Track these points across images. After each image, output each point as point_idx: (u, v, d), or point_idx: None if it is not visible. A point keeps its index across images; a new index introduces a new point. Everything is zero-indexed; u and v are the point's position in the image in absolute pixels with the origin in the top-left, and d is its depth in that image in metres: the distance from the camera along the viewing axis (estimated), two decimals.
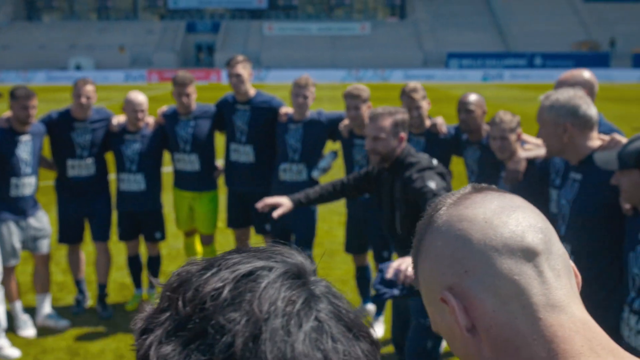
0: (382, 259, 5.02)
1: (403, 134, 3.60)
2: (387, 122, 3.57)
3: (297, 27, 57.91)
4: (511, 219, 0.89)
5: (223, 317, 0.62)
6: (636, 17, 55.66)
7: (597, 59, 49.02)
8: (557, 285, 0.85)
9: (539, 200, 3.80)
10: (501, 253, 0.86)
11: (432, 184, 3.38)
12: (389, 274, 2.96)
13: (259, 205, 3.82)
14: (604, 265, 2.87)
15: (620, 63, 49.01)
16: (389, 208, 3.68)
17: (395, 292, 2.98)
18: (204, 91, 28.55)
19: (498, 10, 58.14)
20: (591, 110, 2.88)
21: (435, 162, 3.60)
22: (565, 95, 2.89)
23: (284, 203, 3.86)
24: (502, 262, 0.86)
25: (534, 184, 3.82)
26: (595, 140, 2.94)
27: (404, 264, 2.97)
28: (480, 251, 0.87)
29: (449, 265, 0.88)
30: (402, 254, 3.60)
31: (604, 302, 2.77)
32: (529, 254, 0.86)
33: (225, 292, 0.63)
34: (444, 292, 0.88)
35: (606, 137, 2.96)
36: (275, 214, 3.79)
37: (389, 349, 4.89)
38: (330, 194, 3.99)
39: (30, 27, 57.60)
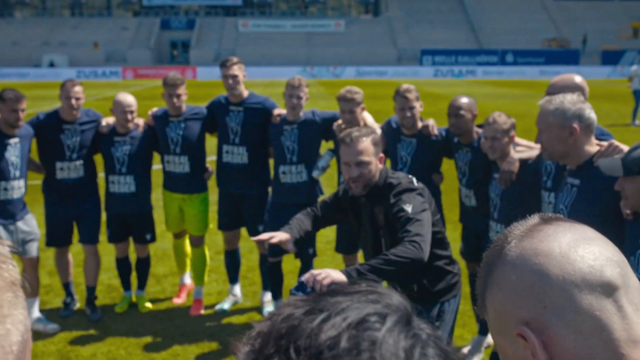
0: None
1: (382, 155, 3.34)
2: (368, 144, 3.22)
3: (272, 24, 57.75)
4: (588, 252, 0.90)
5: None
6: (605, 15, 56.61)
7: (566, 56, 49.76)
8: (637, 320, 0.86)
9: (531, 201, 3.91)
10: (581, 288, 0.87)
11: (409, 208, 3.15)
12: (304, 277, 2.88)
13: (255, 239, 3.42)
14: None
15: (589, 60, 49.79)
16: (371, 235, 3.43)
17: (300, 294, 2.90)
18: None
19: (470, 8, 58.65)
20: (593, 114, 2.93)
21: (415, 181, 3.37)
22: (569, 98, 2.92)
23: (282, 235, 3.39)
24: (583, 297, 0.87)
25: (526, 186, 3.89)
26: (594, 145, 2.98)
27: (323, 274, 2.87)
28: (559, 286, 0.87)
29: (525, 300, 0.89)
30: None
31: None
32: (609, 289, 0.87)
33: (343, 341, 0.62)
34: (521, 326, 0.89)
35: (604, 143, 3.01)
36: (275, 240, 3.35)
37: None
38: (315, 224, 3.57)
39: (2, 23, 56.53)
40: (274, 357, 0.64)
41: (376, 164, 3.27)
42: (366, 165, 3.23)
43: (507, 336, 0.92)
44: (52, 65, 48.87)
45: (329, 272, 2.91)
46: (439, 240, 3.40)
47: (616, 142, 2.97)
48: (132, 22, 58.19)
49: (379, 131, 3.43)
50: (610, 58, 48.81)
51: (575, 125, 2.89)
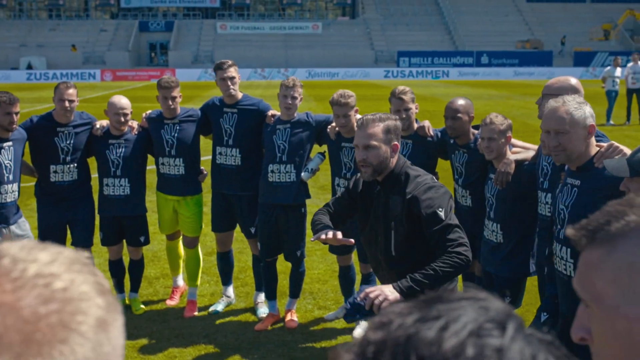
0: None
1: (396, 143, 3.34)
2: (378, 129, 3.28)
3: (250, 26, 57.68)
4: None
5: None
6: (577, 17, 57.50)
7: (540, 57, 50.48)
8: None
9: (527, 201, 4.03)
10: None
11: (442, 213, 3.15)
12: (360, 297, 2.93)
13: (317, 238, 3.36)
14: None
15: (562, 61, 50.52)
16: (382, 228, 3.35)
17: (358, 316, 3.02)
18: (156, 90, 27.89)
19: (446, 11, 59.16)
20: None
21: (432, 177, 3.38)
22: (578, 99, 3.00)
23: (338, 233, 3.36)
24: None
25: (522, 186, 4.00)
26: (594, 146, 3.06)
27: (379, 294, 2.94)
28: None
29: None
30: (390, 276, 3.34)
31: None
32: None
33: (468, 349, 0.63)
34: None
35: (603, 144, 3.09)
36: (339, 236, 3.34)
37: None
38: (332, 221, 3.54)
39: None
40: None
41: (386, 151, 3.26)
42: (373, 149, 3.24)
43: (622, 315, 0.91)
44: (29, 67, 48.26)
45: (384, 291, 2.96)
46: None
47: (616, 144, 3.05)
48: (110, 24, 57.69)
49: (398, 122, 3.37)
50: (583, 59, 49.58)
51: (593, 125, 2.98)
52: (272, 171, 5.21)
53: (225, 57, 48.18)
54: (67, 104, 5.21)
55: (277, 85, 5.39)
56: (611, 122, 18.15)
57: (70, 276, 0.68)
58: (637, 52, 23.57)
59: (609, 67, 18.95)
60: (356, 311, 2.98)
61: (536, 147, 4.17)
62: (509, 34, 55.27)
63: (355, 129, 4.92)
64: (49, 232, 5.43)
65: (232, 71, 5.33)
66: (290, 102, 5.13)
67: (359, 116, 5.04)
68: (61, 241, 5.51)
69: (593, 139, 3.07)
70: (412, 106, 4.80)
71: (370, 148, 3.25)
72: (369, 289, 2.99)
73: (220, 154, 5.47)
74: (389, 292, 2.97)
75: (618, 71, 18.48)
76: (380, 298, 2.95)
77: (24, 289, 0.65)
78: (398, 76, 47.02)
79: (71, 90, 5.25)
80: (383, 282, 3.48)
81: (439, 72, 48.20)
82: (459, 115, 4.50)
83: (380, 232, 3.38)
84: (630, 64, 18.79)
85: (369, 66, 50.41)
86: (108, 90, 32.85)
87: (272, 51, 53.35)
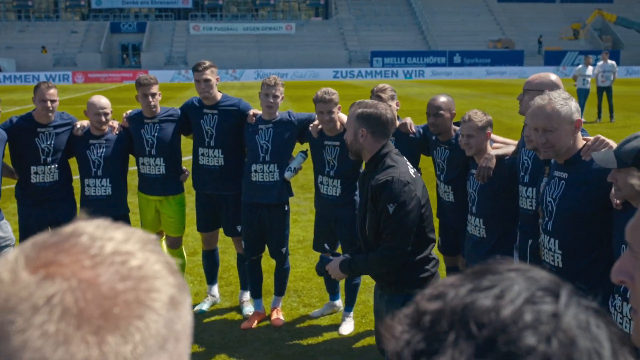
0: None
1: (364, 130, 3.49)
2: (352, 112, 3.56)
3: (223, 26, 57.41)
4: None
5: (530, 340, 0.64)
6: (547, 17, 58.35)
7: (511, 57, 51.12)
8: None
9: (508, 196, 4.11)
10: None
11: (391, 208, 3.38)
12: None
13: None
14: (591, 258, 3.06)
15: (533, 61, 51.22)
16: (362, 206, 3.65)
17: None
18: (130, 91, 27.57)
19: (419, 11, 59.57)
20: None
21: (411, 171, 3.54)
22: (563, 95, 3.07)
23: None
24: None
25: (503, 181, 4.07)
26: (581, 139, 3.14)
27: (330, 271, 3.79)
28: None
29: None
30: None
31: (592, 292, 3.02)
32: None
33: (526, 315, 0.66)
34: None
35: (590, 137, 3.17)
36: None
37: (359, 344, 5.13)
38: None
39: None
40: (449, 334, 0.67)
41: (356, 138, 3.54)
42: (347, 131, 3.63)
43: None
44: None
45: (333, 269, 3.79)
46: (419, 236, 3.54)
47: (602, 137, 3.12)
48: (80, 25, 56.96)
49: (377, 110, 3.52)
50: (553, 58, 50.34)
51: (579, 119, 3.05)
52: (256, 171, 5.23)
53: (198, 58, 47.82)
54: (49, 104, 5.17)
55: (251, 86, 5.40)
56: (583, 119, 18.47)
57: (144, 255, 0.70)
58: (607, 50, 23.99)
59: (580, 66, 19.26)
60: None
61: (516, 142, 4.26)
62: (480, 34, 55.88)
63: (338, 126, 5.02)
64: (31, 233, 5.24)
65: (208, 74, 5.29)
66: (272, 100, 5.14)
67: (341, 114, 5.11)
68: None
69: (580, 133, 3.15)
70: (392, 103, 4.85)
71: (345, 132, 3.68)
72: (327, 266, 3.81)
73: (202, 155, 5.46)
74: (335, 271, 3.77)
75: (589, 70, 18.80)
76: (333, 274, 3.80)
77: (102, 265, 0.67)
78: (371, 76, 47.22)
79: (52, 90, 5.22)
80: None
81: (412, 71, 48.53)
82: (441, 112, 4.57)
83: (360, 211, 3.71)
84: (600, 63, 19.15)
85: (342, 66, 50.56)
86: (80, 92, 32.49)
87: (245, 52, 53.22)
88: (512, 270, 0.72)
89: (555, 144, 3.07)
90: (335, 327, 5.29)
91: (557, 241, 3.15)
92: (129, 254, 0.69)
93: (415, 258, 3.57)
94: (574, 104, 3.06)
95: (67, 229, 0.72)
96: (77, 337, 0.63)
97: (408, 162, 3.64)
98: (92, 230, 0.71)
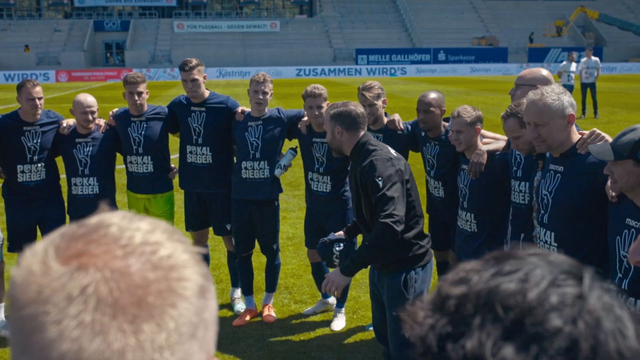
0: None
1: (339, 127, 3.75)
2: (326, 115, 3.83)
3: (208, 24, 57.17)
4: None
5: (557, 321, 0.66)
6: (530, 14, 58.75)
7: (496, 54, 51.39)
8: None
9: (499, 190, 4.15)
10: None
11: (380, 181, 3.55)
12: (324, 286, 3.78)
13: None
14: (587, 250, 3.09)
15: (516, 58, 51.53)
16: (355, 194, 3.84)
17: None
18: (114, 90, 27.32)
19: (403, 8, 59.71)
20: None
21: (393, 152, 3.76)
22: (556, 89, 3.08)
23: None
24: None
25: (494, 176, 4.10)
26: (576, 133, 3.16)
27: (328, 285, 3.73)
28: None
29: None
30: None
31: None
32: None
33: (552, 297, 0.67)
34: None
35: (585, 131, 3.20)
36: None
37: (350, 339, 5.15)
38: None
39: None
40: (474, 317, 0.68)
41: (334, 136, 3.78)
42: (326, 135, 3.86)
43: None
44: None
45: (334, 280, 3.74)
46: (409, 211, 3.71)
47: (598, 130, 3.16)
48: (64, 24, 56.44)
49: (347, 108, 3.79)
50: (536, 55, 50.65)
51: (572, 114, 3.07)
52: (246, 168, 5.22)
53: (183, 56, 47.50)
54: (37, 102, 5.14)
55: (236, 84, 5.40)
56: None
57: (172, 244, 0.71)
58: (590, 47, 24.17)
59: (564, 62, 19.42)
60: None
61: (506, 137, 4.29)
62: (465, 31, 56.13)
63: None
64: (18, 233, 5.33)
65: (195, 73, 5.27)
66: (261, 97, 5.13)
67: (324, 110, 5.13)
68: (31, 242, 5.35)
69: (574, 127, 3.18)
70: (377, 102, 4.86)
71: (327, 133, 3.86)
72: (323, 283, 3.76)
73: (190, 152, 5.44)
74: (338, 279, 3.71)
75: (573, 66, 18.96)
76: (333, 288, 3.71)
77: (133, 255, 0.68)
78: (356, 74, 47.29)
79: (38, 88, 5.18)
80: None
81: (397, 69, 48.64)
82: (432, 108, 4.59)
83: (354, 199, 3.87)
84: (583, 59, 19.32)
85: (327, 64, 50.57)
86: (63, 91, 32.24)
87: (230, 50, 53.06)
88: (533, 255, 0.73)
89: (546, 138, 3.10)
90: (327, 323, 5.31)
91: (552, 234, 3.18)
92: (157, 244, 0.70)
93: (410, 234, 3.73)
94: (567, 99, 3.08)
95: (93, 220, 0.72)
96: (113, 326, 0.63)
97: (389, 147, 3.85)
98: (118, 221, 0.71)
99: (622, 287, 2.80)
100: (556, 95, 3.07)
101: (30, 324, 0.64)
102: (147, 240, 0.70)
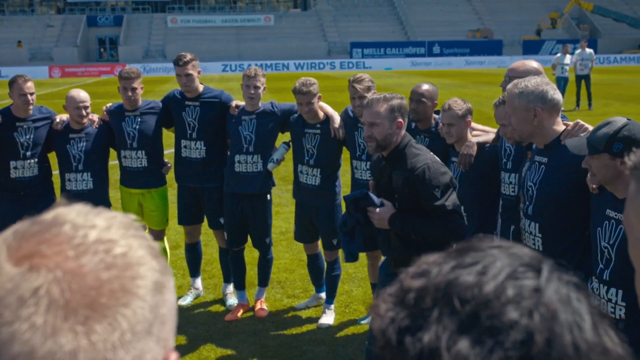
0: (332, 246, 5.18)
1: (401, 120, 3.54)
2: (383, 108, 3.51)
3: (201, 19, 57.00)
4: None
5: (513, 314, 0.66)
6: (525, 6, 58.72)
7: (490, 46, 51.35)
8: None
9: (489, 182, 4.14)
10: None
11: (438, 193, 3.41)
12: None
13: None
14: (571, 241, 3.11)
15: (511, 50, 51.51)
16: (387, 197, 3.60)
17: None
18: (108, 85, 27.42)
19: (397, 1, 59.62)
20: (557, 95, 3.11)
21: (435, 157, 3.59)
22: (533, 82, 3.10)
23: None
24: None
25: (484, 168, 4.10)
26: (560, 124, 3.18)
27: (375, 216, 3.52)
28: None
29: None
30: (403, 247, 3.60)
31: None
32: None
33: (508, 290, 0.67)
34: None
35: (570, 123, 3.21)
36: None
37: (342, 333, 5.15)
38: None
39: None
40: (432, 310, 0.68)
41: (390, 128, 3.50)
42: (377, 127, 3.50)
43: None
44: None
45: (381, 218, 3.51)
46: None
47: (582, 122, 3.17)
48: (56, 19, 56.23)
49: (403, 101, 3.61)
50: (531, 48, 50.62)
51: (538, 107, 3.07)
52: (239, 161, 5.22)
53: (177, 51, 47.11)
54: (29, 97, 5.13)
55: (230, 78, 5.38)
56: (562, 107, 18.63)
57: (127, 241, 0.70)
58: (585, 39, 24.16)
59: (558, 55, 19.41)
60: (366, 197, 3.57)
61: (495, 130, 4.29)
62: (459, 24, 56.08)
63: (321, 115, 5.02)
64: None
65: (189, 68, 5.26)
66: (253, 92, 5.12)
67: (322, 103, 5.09)
68: None
69: (559, 118, 3.18)
70: (368, 94, 4.77)
71: (375, 126, 3.51)
72: (373, 214, 3.53)
73: (185, 147, 5.44)
74: (385, 218, 3.50)
75: (567, 58, 18.95)
76: (377, 222, 3.54)
77: (86, 255, 0.67)
78: (351, 67, 47.21)
79: (29, 83, 5.17)
80: (389, 254, 3.77)
81: (392, 62, 48.57)
82: (424, 99, 4.58)
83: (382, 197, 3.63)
84: (578, 51, 19.31)
85: (322, 58, 50.48)
86: (57, 87, 32.13)
87: (224, 44, 52.92)
88: (495, 247, 0.73)
89: (515, 128, 3.18)
90: (319, 317, 5.30)
91: (537, 225, 3.20)
92: (112, 242, 0.69)
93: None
94: (537, 92, 3.08)
95: (48, 216, 0.72)
96: (65, 328, 0.63)
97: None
98: (73, 217, 0.71)
99: (604, 277, 2.82)
100: (525, 87, 3.10)
101: None
102: (101, 238, 0.69)
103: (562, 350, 0.65)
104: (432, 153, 3.61)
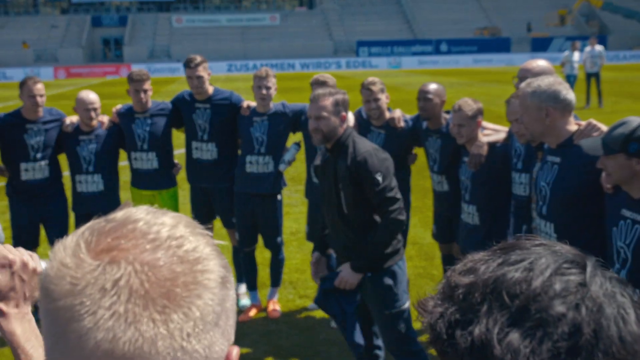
0: None
1: (344, 114, 3.67)
2: (329, 102, 3.65)
3: (207, 18, 57.08)
4: None
5: (560, 308, 0.69)
6: (533, 3, 58.49)
7: (498, 44, 51.17)
8: None
9: (500, 182, 4.11)
10: None
11: (380, 177, 3.55)
12: (334, 285, 3.74)
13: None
14: (585, 241, 3.04)
15: (519, 48, 51.33)
16: (333, 190, 3.73)
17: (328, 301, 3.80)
18: (113, 86, 27.49)
19: None
20: (570, 94, 3.09)
21: (377, 146, 3.76)
22: (546, 81, 3.08)
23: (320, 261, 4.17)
24: None
25: (495, 167, 4.09)
26: (573, 124, 3.15)
27: (341, 283, 3.69)
28: None
29: None
30: (351, 235, 3.73)
31: None
32: None
33: (556, 285, 0.71)
34: None
35: (583, 122, 3.18)
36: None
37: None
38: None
39: None
40: (482, 305, 0.72)
41: (335, 120, 3.65)
42: (322, 120, 3.65)
43: None
44: None
45: (347, 279, 3.68)
46: None
47: (594, 121, 3.14)
48: (61, 20, 56.40)
49: (345, 95, 3.74)
50: (540, 45, 50.43)
51: (550, 107, 3.06)
52: (250, 162, 5.22)
53: (182, 51, 47.33)
54: (38, 99, 5.13)
55: (236, 78, 5.35)
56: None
57: (195, 238, 0.75)
58: (595, 36, 24.06)
59: (567, 52, 19.31)
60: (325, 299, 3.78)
61: (506, 129, 4.26)
62: (467, 22, 55.92)
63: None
64: (23, 230, 5.34)
65: (200, 70, 5.25)
66: (264, 92, 5.12)
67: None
68: (35, 239, 5.42)
69: (571, 118, 3.16)
70: (382, 96, 4.88)
71: (321, 119, 3.65)
72: (336, 282, 3.70)
73: (196, 148, 5.44)
74: (351, 277, 3.67)
75: (576, 55, 18.85)
76: (347, 286, 3.69)
77: (160, 249, 0.71)
78: (358, 66, 47.14)
79: (39, 85, 5.18)
80: (338, 244, 3.88)
81: (398, 60, 48.46)
82: (430, 96, 4.59)
83: (333, 194, 3.75)
84: (588, 48, 19.20)
85: (328, 56, 50.44)
86: (62, 88, 32.21)
87: (229, 44, 52.96)
88: (538, 245, 0.77)
89: (527, 127, 3.19)
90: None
91: (552, 225, 3.18)
92: (182, 238, 0.74)
93: None
94: (549, 91, 3.06)
95: (120, 215, 0.76)
96: (145, 316, 0.67)
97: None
98: (144, 216, 0.75)
99: (621, 277, 2.76)
100: (537, 87, 3.08)
101: (66, 315, 0.68)
102: (172, 234, 0.73)
103: (608, 342, 0.69)
104: (373, 144, 3.77)
